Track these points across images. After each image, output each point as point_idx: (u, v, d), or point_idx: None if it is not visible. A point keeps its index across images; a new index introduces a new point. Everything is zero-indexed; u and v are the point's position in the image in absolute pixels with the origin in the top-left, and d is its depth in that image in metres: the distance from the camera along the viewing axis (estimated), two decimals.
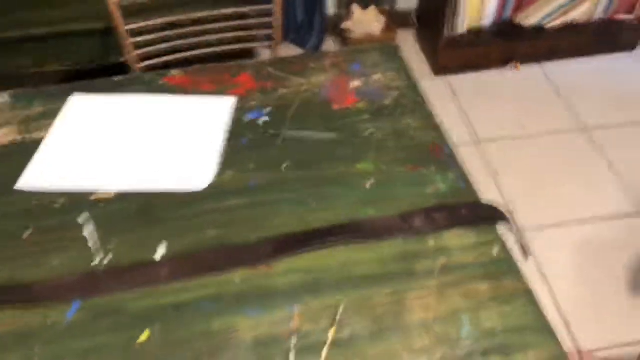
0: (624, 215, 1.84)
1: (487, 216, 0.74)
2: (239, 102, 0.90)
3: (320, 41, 2.41)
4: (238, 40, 1.39)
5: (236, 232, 0.72)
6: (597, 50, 2.47)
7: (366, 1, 2.32)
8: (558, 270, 1.68)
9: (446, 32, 2.24)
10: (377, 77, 0.94)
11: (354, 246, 0.70)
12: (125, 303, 0.65)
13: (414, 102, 0.89)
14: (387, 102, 0.89)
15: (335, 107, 0.89)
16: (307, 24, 2.33)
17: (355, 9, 2.30)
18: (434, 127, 0.85)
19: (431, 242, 0.70)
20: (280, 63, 0.97)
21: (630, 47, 2.49)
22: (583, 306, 1.59)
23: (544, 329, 0.62)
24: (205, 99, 0.90)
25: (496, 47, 2.35)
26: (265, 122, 0.87)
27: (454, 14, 2.19)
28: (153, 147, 0.83)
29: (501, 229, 0.73)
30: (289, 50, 2.39)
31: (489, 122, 2.16)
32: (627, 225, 1.80)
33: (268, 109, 0.89)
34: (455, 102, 2.25)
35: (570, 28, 2.37)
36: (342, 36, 2.39)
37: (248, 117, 0.88)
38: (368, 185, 0.77)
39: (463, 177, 0.78)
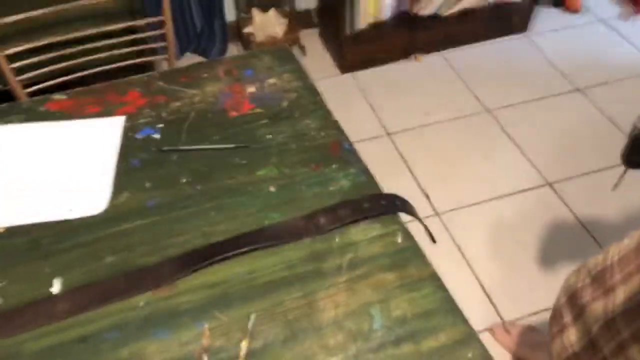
0: (531, 188, 1.94)
1: (389, 206, 0.75)
2: (128, 120, 0.86)
3: (224, 48, 2.38)
4: (132, 55, 1.34)
5: (136, 255, 0.69)
6: (492, 34, 2.59)
7: (265, 4, 2.32)
8: (476, 249, 1.75)
9: (347, 29, 2.27)
10: (272, 81, 0.93)
11: (259, 253, 0.69)
12: (22, 345, 0.61)
13: (312, 102, 0.90)
14: (285, 105, 0.89)
15: (232, 115, 0.87)
16: (207, 31, 2.30)
17: (256, 12, 2.29)
18: (333, 125, 0.86)
19: (337, 239, 0.71)
20: (171, 75, 0.94)
21: (522, 29, 2.63)
22: (501, 280, 1.67)
23: (452, 311, 0.64)
24: (92, 121, 0.86)
25: (397, 40, 2.41)
26: (158, 139, 0.84)
27: (352, 9, 2.22)
28: (40, 176, 0.78)
29: (404, 217, 0.74)
30: (193, 60, 2.35)
31: (397, 114, 2.22)
32: (535, 198, 1.90)
33: (161, 125, 0.86)
34: (363, 98, 2.29)
35: (466, 15, 2.47)
36: (246, 41, 2.37)
37: (140, 135, 0.85)
38: (271, 191, 0.76)
39: (364, 171, 0.79)
